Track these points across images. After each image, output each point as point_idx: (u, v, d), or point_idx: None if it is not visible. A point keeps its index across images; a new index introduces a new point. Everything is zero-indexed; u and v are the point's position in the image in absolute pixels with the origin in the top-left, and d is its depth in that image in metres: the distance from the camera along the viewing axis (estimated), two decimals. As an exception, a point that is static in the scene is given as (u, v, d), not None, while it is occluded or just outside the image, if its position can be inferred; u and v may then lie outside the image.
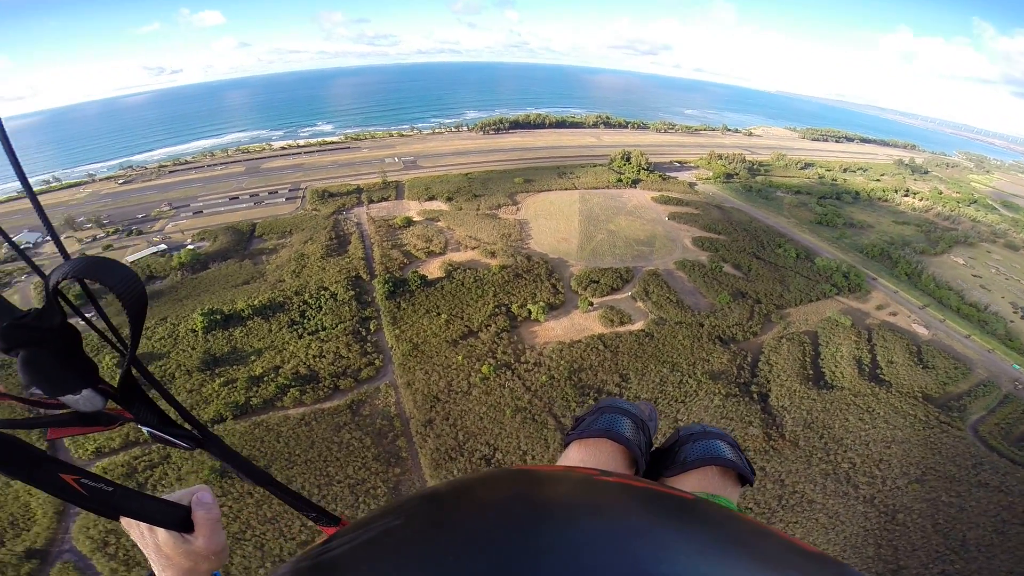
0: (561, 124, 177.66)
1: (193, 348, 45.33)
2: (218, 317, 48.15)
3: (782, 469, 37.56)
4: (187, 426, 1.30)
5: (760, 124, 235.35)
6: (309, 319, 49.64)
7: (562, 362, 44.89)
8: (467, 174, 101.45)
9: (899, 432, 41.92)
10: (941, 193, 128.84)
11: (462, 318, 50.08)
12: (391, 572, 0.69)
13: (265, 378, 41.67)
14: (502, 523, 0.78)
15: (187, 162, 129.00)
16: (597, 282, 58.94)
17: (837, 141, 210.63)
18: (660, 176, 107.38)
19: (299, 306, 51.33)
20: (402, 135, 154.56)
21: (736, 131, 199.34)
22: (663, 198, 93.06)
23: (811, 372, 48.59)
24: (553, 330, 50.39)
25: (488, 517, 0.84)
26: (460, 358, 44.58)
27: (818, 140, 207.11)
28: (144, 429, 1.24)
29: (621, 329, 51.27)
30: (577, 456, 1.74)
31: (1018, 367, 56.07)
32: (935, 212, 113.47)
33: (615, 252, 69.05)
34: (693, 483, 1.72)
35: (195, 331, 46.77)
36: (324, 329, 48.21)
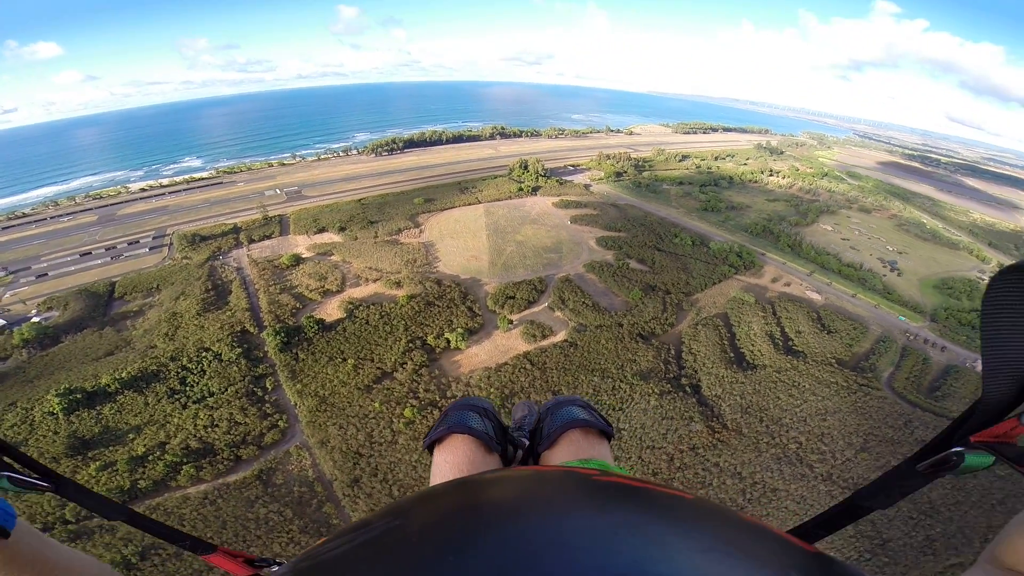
0: (458, 139, 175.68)
1: (55, 432, 37.98)
2: (78, 396, 40.64)
3: (735, 461, 37.30)
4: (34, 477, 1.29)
5: (638, 123, 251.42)
6: (191, 386, 42.85)
7: (492, 389, 41.75)
8: (360, 200, 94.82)
9: (829, 403, 43.88)
10: (798, 170, 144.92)
11: (372, 360, 45.21)
12: (391, 572, 0.69)
13: (150, 456, 35.71)
14: (502, 523, 0.79)
15: (25, 215, 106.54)
16: (513, 297, 56.71)
17: (704, 132, 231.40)
18: (557, 181, 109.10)
19: (177, 373, 44.16)
20: (283, 164, 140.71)
21: (619, 131, 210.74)
22: (563, 202, 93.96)
23: (732, 355, 49.93)
24: (476, 356, 47.13)
25: (488, 517, 0.85)
26: (377, 405, 39.83)
27: (689, 133, 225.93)
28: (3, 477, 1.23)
29: (545, 343, 49.34)
30: (440, 457, 1.81)
31: (903, 318, 62.48)
32: (797, 187, 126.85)
33: (526, 263, 67.53)
34: (564, 449, 1.84)
35: (53, 414, 39.37)
36: (212, 395, 41.74)
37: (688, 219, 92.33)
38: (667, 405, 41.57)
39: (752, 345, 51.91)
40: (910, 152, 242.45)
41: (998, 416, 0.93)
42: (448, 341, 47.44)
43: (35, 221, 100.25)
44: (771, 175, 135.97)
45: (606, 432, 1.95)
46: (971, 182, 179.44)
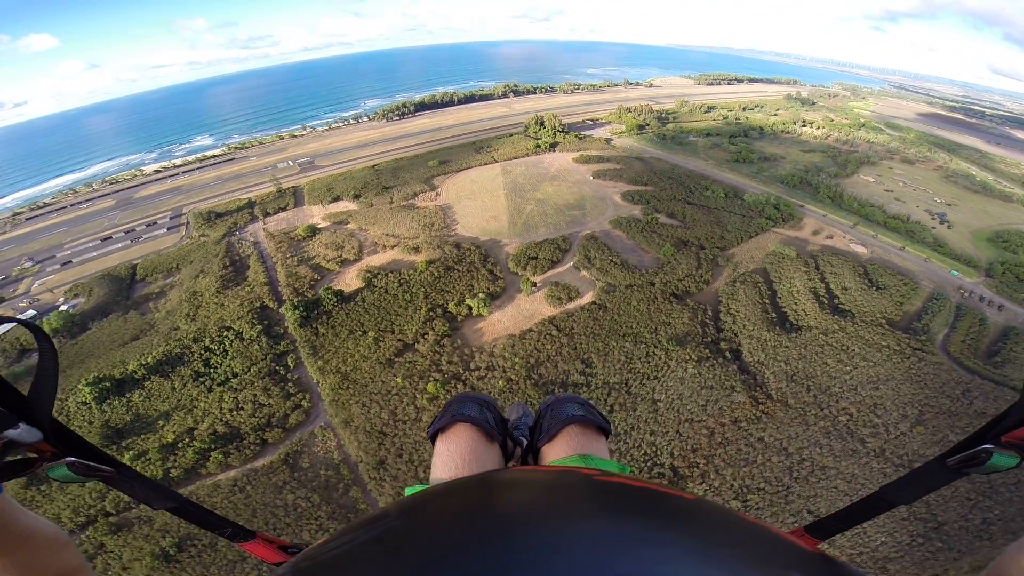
0: (470, 99, 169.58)
1: (90, 423, 37.07)
2: (108, 384, 39.65)
3: (782, 436, 33.95)
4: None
5: (658, 76, 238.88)
6: (215, 368, 41.36)
7: (516, 359, 38.80)
8: (374, 166, 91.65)
9: (880, 369, 39.83)
10: (832, 120, 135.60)
11: (393, 331, 42.52)
12: (392, 572, 0.69)
13: (180, 444, 34.51)
14: (502, 524, 0.79)
15: (46, 204, 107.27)
16: (536, 258, 53.12)
17: (729, 83, 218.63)
18: (576, 136, 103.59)
19: (201, 354, 42.66)
20: (294, 136, 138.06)
21: (638, 84, 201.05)
22: (584, 158, 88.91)
23: (774, 315, 46.01)
24: (500, 322, 44.07)
25: (488, 518, 0.85)
26: (399, 380, 37.29)
27: (712, 84, 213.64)
28: (65, 463, 1.22)
29: (571, 306, 45.97)
30: (443, 446, 1.83)
31: (956, 272, 57.24)
32: (834, 138, 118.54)
33: (548, 222, 63.51)
34: (562, 445, 1.87)
35: (87, 404, 38.71)
36: (235, 376, 40.11)
37: (719, 171, 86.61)
38: (706, 373, 38.14)
39: (795, 304, 47.81)
40: (951, 103, 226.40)
41: None
42: (470, 308, 44.39)
43: (56, 210, 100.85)
44: (804, 125, 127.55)
45: (604, 428, 1.98)
46: (1020, 134, 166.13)
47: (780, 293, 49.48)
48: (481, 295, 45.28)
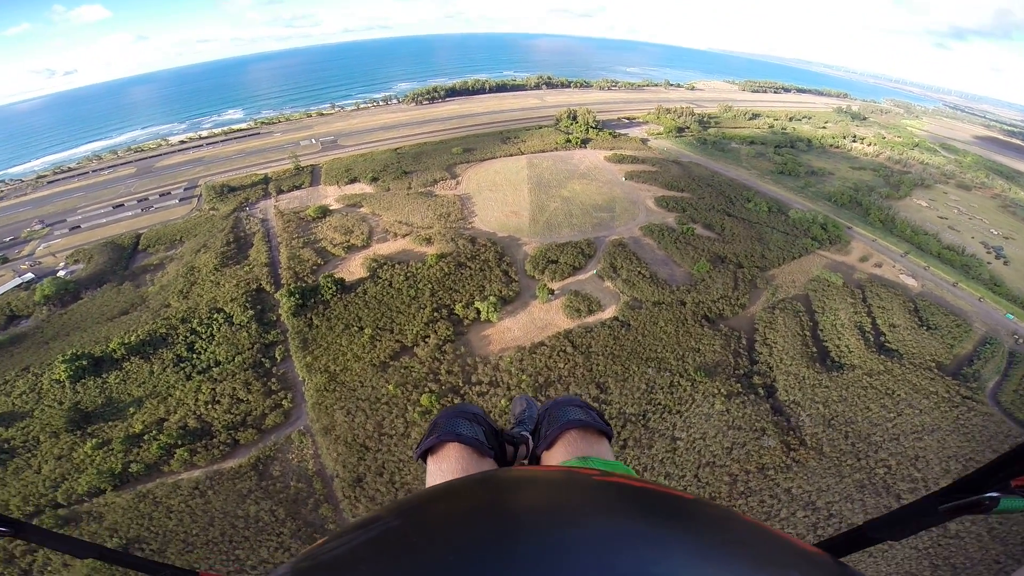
0: (502, 88, 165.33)
1: (60, 403, 34.78)
2: (85, 363, 37.24)
3: (811, 488, 29.61)
4: None
5: (700, 79, 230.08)
6: (199, 353, 38.56)
7: (524, 376, 34.88)
8: (396, 149, 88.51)
9: (926, 418, 35.00)
10: (884, 138, 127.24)
11: (392, 331, 39.00)
12: (391, 573, 0.69)
13: (146, 436, 31.78)
14: (501, 525, 0.79)
15: (70, 169, 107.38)
16: (556, 262, 48.95)
17: (776, 92, 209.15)
18: (610, 134, 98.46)
19: (186, 337, 39.92)
20: (322, 114, 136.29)
21: (679, 86, 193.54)
22: (616, 157, 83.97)
23: (814, 349, 41.08)
24: (509, 331, 40.13)
25: (488, 519, 0.85)
26: (391, 387, 33.73)
27: (758, 92, 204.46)
28: None
29: (590, 319, 41.78)
30: (434, 466, 1.81)
31: (1011, 316, 51.24)
32: (885, 156, 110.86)
33: (572, 222, 59.13)
34: (562, 450, 1.85)
35: (60, 382, 36.34)
36: (218, 364, 37.18)
37: (762, 182, 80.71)
38: (735, 411, 33.68)
39: (839, 339, 42.77)
40: (1011, 128, 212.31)
41: None
42: (478, 312, 40.56)
43: (78, 175, 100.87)
44: (855, 141, 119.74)
45: (605, 432, 1.94)
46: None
47: (823, 325, 44.43)
48: (492, 298, 41.38)
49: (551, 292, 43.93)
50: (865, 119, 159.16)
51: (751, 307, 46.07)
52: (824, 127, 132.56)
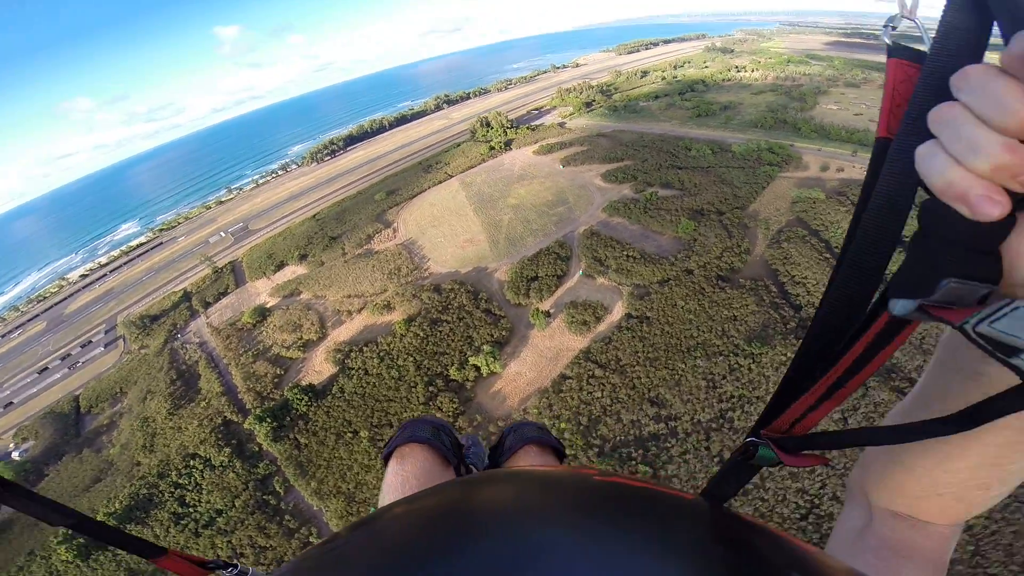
0: (403, 120, 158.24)
1: None
2: (82, 540, 31.09)
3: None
4: None
5: (580, 55, 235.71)
6: (194, 507, 31.90)
7: (562, 423, 27.65)
8: (314, 216, 79.28)
9: None
10: (760, 62, 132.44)
11: (389, 424, 30.83)
12: (395, 570, 0.67)
13: None
14: (501, 525, 0.78)
15: None
16: (536, 278, 42.26)
17: (647, 48, 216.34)
18: (528, 128, 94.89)
19: (172, 492, 33.26)
20: (221, 202, 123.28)
21: (565, 66, 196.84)
22: (544, 148, 79.43)
23: (847, 271, 36.85)
24: (522, 376, 32.82)
25: (487, 519, 0.84)
26: (410, 497, 25.51)
27: (633, 52, 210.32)
28: None
29: (602, 328, 35.39)
30: (395, 467, 1.81)
31: None
32: (772, 77, 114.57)
33: (532, 228, 52.80)
34: (524, 461, 1.96)
35: (71, 562, 31.05)
36: (220, 514, 30.36)
37: (687, 128, 78.86)
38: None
39: (855, 252, 38.97)
40: (844, 30, 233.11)
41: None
42: (477, 368, 32.96)
43: None
44: (739, 71, 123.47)
45: (559, 450, 2.11)
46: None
47: (833, 242, 40.67)
48: (486, 347, 33.82)
49: (547, 314, 37.05)
50: (733, 51, 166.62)
51: (755, 250, 41.68)
52: (706, 66, 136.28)
